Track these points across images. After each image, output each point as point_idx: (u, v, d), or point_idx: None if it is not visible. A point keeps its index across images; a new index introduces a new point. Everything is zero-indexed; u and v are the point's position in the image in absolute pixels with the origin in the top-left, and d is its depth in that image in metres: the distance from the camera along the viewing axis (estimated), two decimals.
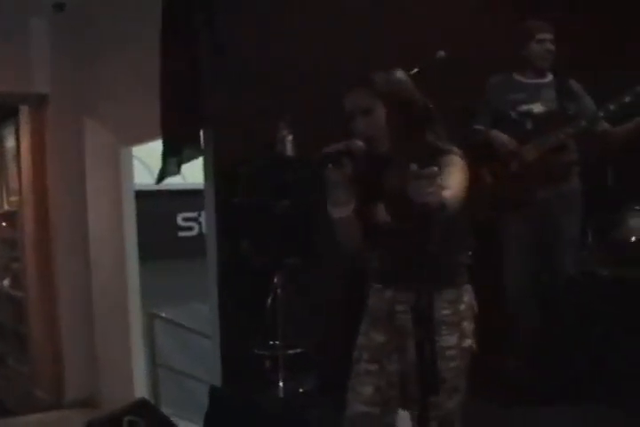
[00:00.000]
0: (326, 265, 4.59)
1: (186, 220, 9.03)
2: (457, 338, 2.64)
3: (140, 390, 6.23)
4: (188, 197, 8.81)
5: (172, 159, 4.51)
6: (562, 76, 4.45)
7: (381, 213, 2.69)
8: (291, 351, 4.47)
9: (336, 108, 2.89)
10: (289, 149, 4.54)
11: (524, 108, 4.39)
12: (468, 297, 2.71)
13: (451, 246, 2.64)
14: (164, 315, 6.90)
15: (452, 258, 2.69)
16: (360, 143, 2.63)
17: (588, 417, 3.78)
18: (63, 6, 6.31)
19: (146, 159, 8.04)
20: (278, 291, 4.47)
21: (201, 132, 4.55)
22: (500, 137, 4.38)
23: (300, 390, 4.40)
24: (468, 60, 4.52)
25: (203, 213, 9.15)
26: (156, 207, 7.11)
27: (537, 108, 4.38)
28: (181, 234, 9.00)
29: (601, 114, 4.26)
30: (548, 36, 4.38)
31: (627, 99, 4.15)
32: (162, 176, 4.55)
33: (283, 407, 4.31)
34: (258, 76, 4.55)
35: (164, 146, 4.52)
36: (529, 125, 4.36)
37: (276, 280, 4.49)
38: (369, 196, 2.72)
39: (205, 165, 4.73)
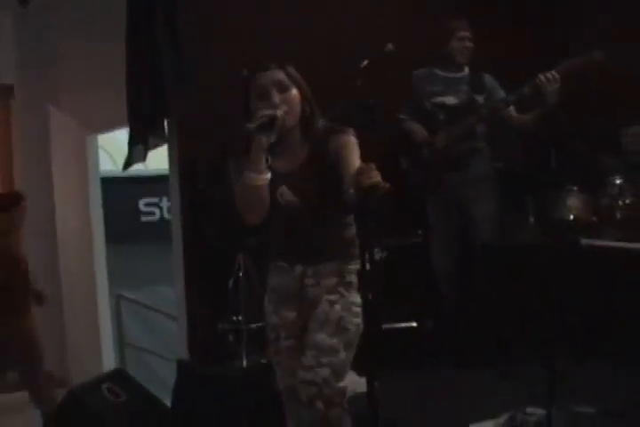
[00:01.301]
0: None
1: (147, 205, 9.25)
2: (359, 298, 2.83)
3: (108, 369, 6.39)
4: (149, 183, 9.06)
5: (138, 147, 4.74)
6: (477, 71, 4.78)
7: (285, 192, 2.92)
8: (253, 325, 4.77)
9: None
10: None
11: (439, 99, 4.73)
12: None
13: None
14: (128, 296, 7.11)
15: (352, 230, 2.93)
16: (279, 113, 2.78)
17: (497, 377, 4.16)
18: (27, 1, 6.53)
19: (107, 147, 8.22)
20: (240, 270, 4.77)
21: (165, 121, 4.79)
22: (413, 127, 4.71)
23: (262, 361, 4.70)
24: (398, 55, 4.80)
25: (164, 199, 9.42)
26: (119, 193, 7.27)
27: (450, 100, 4.74)
28: (143, 219, 9.22)
29: (501, 104, 4.62)
30: (466, 34, 4.71)
31: (525, 90, 4.49)
32: (128, 163, 4.78)
33: (246, 377, 4.60)
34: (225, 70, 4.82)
35: (130, 134, 4.76)
36: (441, 116, 4.70)
37: (237, 260, 4.79)
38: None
39: (170, 153, 4.97)
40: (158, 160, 8.47)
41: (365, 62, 4.39)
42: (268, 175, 2.81)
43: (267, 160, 2.80)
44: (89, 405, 3.69)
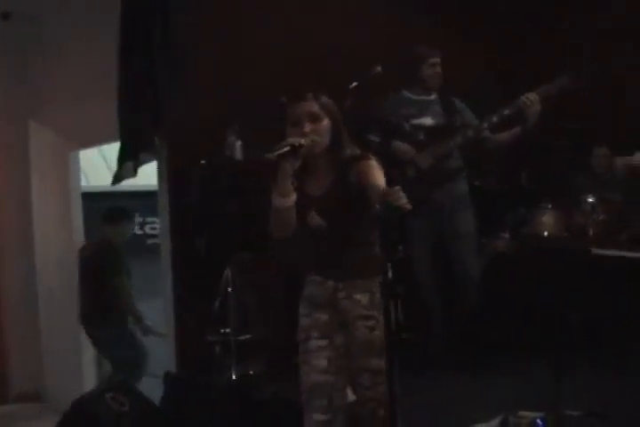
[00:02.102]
0: (271, 260, 5.06)
1: None
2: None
3: (89, 383, 6.47)
4: (120, 198, 9.12)
5: (129, 163, 4.85)
6: (445, 94, 4.99)
7: (314, 217, 3.11)
8: (241, 338, 4.90)
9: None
10: (238, 154, 4.97)
11: (416, 121, 4.92)
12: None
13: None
14: None
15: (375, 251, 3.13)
16: (304, 141, 2.95)
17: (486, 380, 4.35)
18: (9, 15, 6.60)
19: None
20: (229, 283, 4.90)
21: (156, 138, 4.92)
22: (402, 147, 4.89)
23: (250, 373, 4.82)
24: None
25: (136, 214, 9.45)
26: (90, 208, 7.30)
27: (427, 121, 4.94)
28: None
29: (485, 125, 4.79)
30: (437, 60, 4.92)
31: (506, 111, 4.68)
32: (118, 179, 4.89)
33: (234, 388, 4.71)
34: (208, 87, 4.96)
35: (120, 150, 4.88)
36: (422, 136, 4.90)
37: (226, 274, 4.91)
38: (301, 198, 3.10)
39: (159, 168, 5.09)
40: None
41: (354, 84, 4.58)
42: (294, 197, 2.99)
43: (292, 183, 2.99)
44: (94, 413, 3.79)
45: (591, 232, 5.05)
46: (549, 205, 5.35)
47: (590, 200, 5.16)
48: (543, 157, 5.88)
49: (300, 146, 2.92)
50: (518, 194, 5.83)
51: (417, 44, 5.06)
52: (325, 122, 3.07)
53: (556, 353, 3.53)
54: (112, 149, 7.94)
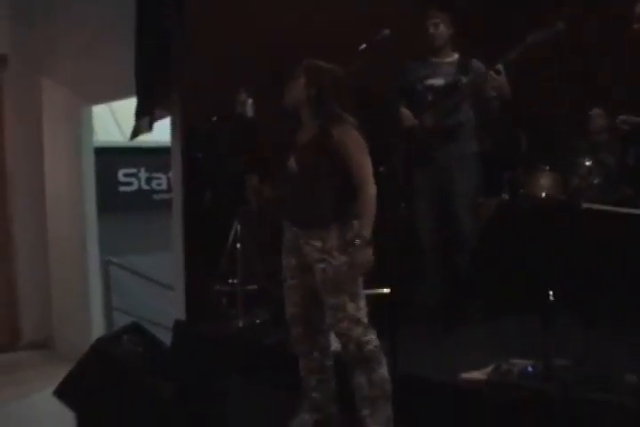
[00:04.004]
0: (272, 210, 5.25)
1: (126, 175, 9.46)
2: (346, 258, 3.38)
3: (97, 332, 6.63)
4: (128, 154, 9.30)
5: (145, 118, 5.02)
6: (464, 55, 5.13)
7: (292, 162, 3.53)
8: (248, 288, 5.11)
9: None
10: (249, 111, 5.13)
11: (428, 82, 5.09)
12: (353, 229, 3.40)
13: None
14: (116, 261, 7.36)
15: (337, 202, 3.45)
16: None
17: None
18: None
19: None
20: (237, 235, 5.09)
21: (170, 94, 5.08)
22: (404, 113, 5.05)
23: (257, 321, 5.04)
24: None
25: (142, 170, 9.64)
26: (99, 163, 7.47)
27: (438, 81, 5.08)
28: (122, 189, 9.43)
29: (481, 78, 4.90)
30: (437, 20, 5.04)
31: (511, 55, 4.75)
32: (135, 133, 5.06)
33: (241, 336, 4.93)
34: (221, 45, 5.11)
35: (137, 105, 5.03)
36: (429, 97, 5.06)
37: (235, 225, 5.11)
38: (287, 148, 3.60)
39: (173, 124, 5.25)
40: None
41: (363, 46, 4.73)
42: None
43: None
44: (112, 352, 4.03)
45: (587, 194, 5.24)
46: (547, 167, 5.53)
47: (587, 164, 5.33)
48: (541, 120, 6.02)
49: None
50: (516, 156, 5.99)
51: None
52: (300, 80, 3.51)
53: (547, 306, 3.73)
54: (121, 106, 8.15)
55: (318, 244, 3.43)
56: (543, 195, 5.47)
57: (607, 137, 5.39)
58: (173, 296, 5.69)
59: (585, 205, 3.27)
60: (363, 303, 3.43)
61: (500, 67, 4.76)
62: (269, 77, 5.08)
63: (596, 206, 3.26)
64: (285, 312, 3.68)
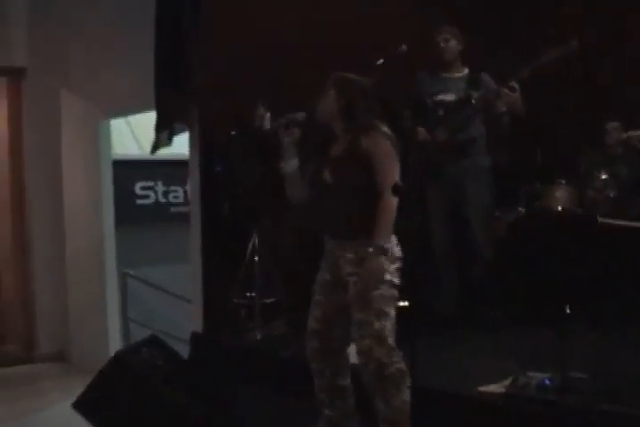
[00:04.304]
0: (293, 224, 5.31)
1: (143, 189, 9.51)
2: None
3: (113, 344, 6.68)
4: (145, 167, 9.36)
5: (165, 132, 5.08)
6: (475, 70, 5.18)
7: (327, 175, 3.52)
8: (266, 301, 5.15)
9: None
10: (267, 125, 5.18)
11: (439, 97, 5.13)
12: (393, 246, 3.42)
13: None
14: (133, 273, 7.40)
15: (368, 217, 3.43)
16: (302, 115, 3.59)
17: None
18: None
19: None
20: (255, 248, 5.13)
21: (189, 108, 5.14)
22: (421, 134, 5.10)
23: (275, 334, 5.07)
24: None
25: (160, 183, 9.69)
26: (116, 176, 7.53)
27: (449, 97, 5.13)
28: (139, 202, 9.48)
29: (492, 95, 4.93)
30: (448, 35, 5.09)
31: (524, 73, 4.78)
32: (156, 147, 5.12)
33: (259, 348, 4.96)
34: (240, 59, 5.17)
35: (157, 119, 5.09)
36: (441, 112, 5.10)
37: (253, 238, 5.15)
38: (320, 161, 3.59)
39: (191, 138, 5.30)
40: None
41: (381, 61, 4.78)
42: (294, 164, 3.58)
43: (294, 152, 3.59)
44: (133, 366, 4.07)
45: (603, 208, 5.26)
46: (563, 181, 5.56)
47: (603, 177, 5.36)
48: (557, 133, 6.05)
49: (295, 120, 3.55)
50: (532, 169, 6.02)
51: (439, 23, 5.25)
52: (330, 93, 3.52)
53: (564, 319, 3.75)
54: (138, 119, 8.22)
55: (351, 256, 3.43)
56: (559, 208, 5.51)
57: (623, 150, 5.42)
58: (189, 308, 5.73)
59: (600, 220, 3.26)
60: (390, 324, 3.36)
61: (514, 84, 4.78)
62: (287, 91, 5.18)
63: (610, 221, 3.26)
64: (307, 325, 3.66)
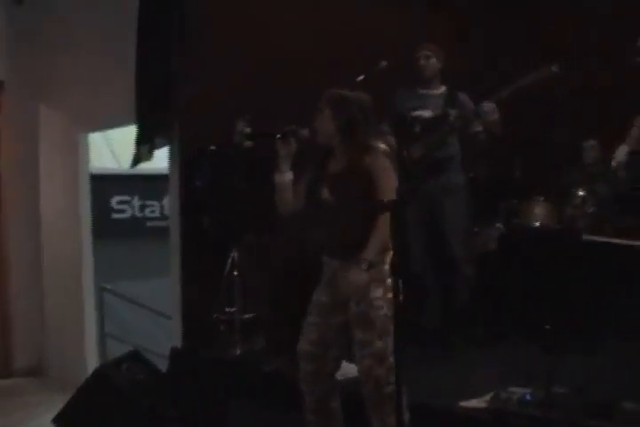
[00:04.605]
0: (277, 240, 5.32)
1: (119, 203, 9.51)
2: (382, 291, 3.36)
3: (91, 359, 6.62)
4: (122, 181, 9.36)
5: (145, 146, 5.07)
6: (452, 88, 5.22)
7: (325, 192, 3.52)
8: (245, 316, 5.14)
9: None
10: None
11: (416, 113, 5.16)
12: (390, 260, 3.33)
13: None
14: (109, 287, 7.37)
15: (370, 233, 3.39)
16: (305, 131, 3.54)
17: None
18: (22, 0, 6.80)
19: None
20: (235, 263, 5.13)
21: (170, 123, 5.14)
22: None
23: (254, 349, 5.06)
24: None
25: (136, 197, 9.70)
26: (93, 190, 7.51)
27: (426, 113, 5.16)
28: (115, 216, 9.47)
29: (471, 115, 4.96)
30: (427, 52, 5.13)
31: (503, 94, 4.83)
32: (136, 161, 5.11)
33: (239, 364, 4.95)
34: (221, 75, 5.18)
35: (137, 134, 5.08)
36: (417, 128, 5.13)
37: (233, 253, 5.14)
38: (317, 178, 3.57)
39: (171, 152, 5.30)
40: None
41: (361, 77, 4.82)
42: (287, 176, 3.55)
43: (288, 164, 3.56)
44: (114, 381, 4.05)
45: (581, 224, 5.32)
46: (542, 198, 5.62)
47: (581, 193, 5.42)
48: (535, 151, 6.12)
49: (290, 134, 3.52)
50: (510, 186, 6.08)
51: (418, 40, 5.29)
52: (326, 112, 3.47)
53: (546, 334, 3.78)
54: (115, 133, 8.21)
55: (356, 275, 3.33)
56: (537, 224, 5.57)
57: (601, 168, 5.48)
58: (167, 323, 5.70)
59: (585, 237, 3.31)
60: (391, 342, 3.26)
61: (491, 105, 4.81)
62: (269, 107, 5.20)
63: (595, 238, 3.30)
64: (298, 347, 3.59)
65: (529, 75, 4.75)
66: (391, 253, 3.29)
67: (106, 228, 9.21)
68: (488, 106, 4.81)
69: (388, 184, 3.31)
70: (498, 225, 5.83)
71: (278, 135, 3.55)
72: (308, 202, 3.56)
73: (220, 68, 5.17)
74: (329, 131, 3.48)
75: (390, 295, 3.26)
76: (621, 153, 5.00)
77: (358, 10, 5.84)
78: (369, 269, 3.28)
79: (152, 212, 9.71)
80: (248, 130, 5.18)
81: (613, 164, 5.02)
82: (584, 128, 5.78)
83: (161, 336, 7.43)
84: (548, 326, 3.90)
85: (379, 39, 5.63)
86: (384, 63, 4.88)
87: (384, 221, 3.27)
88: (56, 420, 4.10)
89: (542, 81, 4.75)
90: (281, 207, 3.60)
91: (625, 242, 3.25)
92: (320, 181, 3.52)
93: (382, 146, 3.47)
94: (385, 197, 3.20)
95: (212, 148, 5.23)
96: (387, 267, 3.34)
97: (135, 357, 4.42)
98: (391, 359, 3.26)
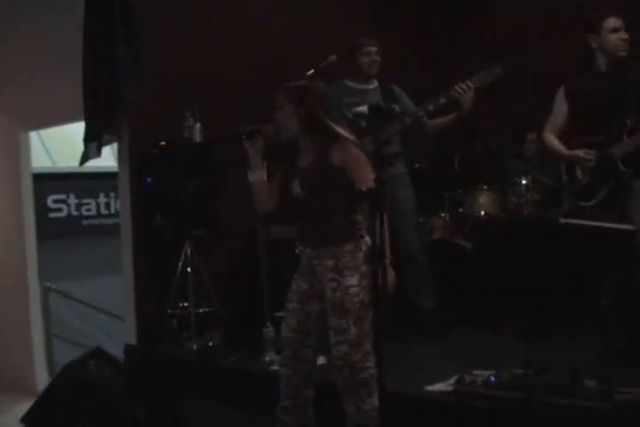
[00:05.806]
0: (227, 235, 5.35)
1: (55, 202, 9.35)
2: (357, 279, 3.40)
3: (38, 359, 6.55)
4: (57, 180, 9.22)
5: (93, 143, 5.04)
6: (385, 83, 5.29)
7: (296, 186, 3.52)
8: (200, 310, 5.15)
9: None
10: (196, 136, 5.20)
11: (358, 109, 5.19)
12: (365, 247, 3.44)
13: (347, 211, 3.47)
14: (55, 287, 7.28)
15: (347, 219, 3.47)
16: (270, 128, 3.54)
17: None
18: None
19: None
20: (187, 258, 5.14)
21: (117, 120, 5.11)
22: None
23: (210, 344, 5.08)
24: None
25: (72, 196, 9.54)
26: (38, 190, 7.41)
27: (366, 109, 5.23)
28: (52, 215, 9.31)
29: (422, 112, 5.06)
30: (373, 49, 5.19)
31: (442, 100, 4.94)
32: (85, 159, 5.07)
33: (195, 359, 4.96)
34: (169, 70, 5.19)
35: (86, 131, 5.05)
36: (363, 124, 5.19)
37: (185, 249, 5.15)
38: (289, 173, 3.58)
39: (121, 149, 5.28)
40: (66, 157, 8.60)
41: (311, 72, 4.87)
42: (260, 174, 3.60)
43: (259, 162, 3.59)
44: (83, 379, 4.03)
45: (525, 211, 5.47)
46: (485, 187, 5.76)
47: (524, 182, 5.57)
48: (475, 142, 6.25)
49: (256, 132, 3.54)
50: (452, 177, 6.21)
51: (357, 34, 5.35)
52: (286, 107, 3.47)
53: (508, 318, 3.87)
54: (49, 132, 8.10)
55: (331, 263, 3.42)
56: (482, 213, 5.71)
57: (539, 159, 5.63)
58: (113, 321, 5.66)
59: (563, 220, 3.40)
60: (368, 328, 3.36)
61: (469, 84, 4.89)
62: (217, 102, 5.23)
63: (572, 221, 3.40)
64: (281, 334, 3.64)
65: (476, 75, 4.87)
66: (366, 240, 3.43)
67: (43, 227, 9.05)
68: (466, 85, 4.86)
69: (364, 174, 3.35)
70: (442, 215, 5.95)
71: (244, 135, 3.56)
72: (282, 196, 3.60)
73: (169, 63, 5.18)
74: (292, 126, 3.48)
75: (365, 282, 3.36)
76: None
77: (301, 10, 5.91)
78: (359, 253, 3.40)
79: (88, 210, 9.57)
80: (198, 125, 5.23)
81: None
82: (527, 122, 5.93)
83: (109, 335, 7.41)
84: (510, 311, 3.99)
85: (322, 35, 5.70)
86: (334, 57, 4.94)
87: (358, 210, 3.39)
88: (25, 419, 4.06)
89: (488, 80, 4.88)
90: (257, 206, 3.63)
91: (587, 223, 3.35)
92: (290, 175, 3.54)
93: (349, 136, 3.47)
94: (362, 186, 3.16)
95: (162, 143, 5.22)
96: (361, 254, 3.41)
97: (100, 354, 4.40)
98: (367, 345, 3.34)
